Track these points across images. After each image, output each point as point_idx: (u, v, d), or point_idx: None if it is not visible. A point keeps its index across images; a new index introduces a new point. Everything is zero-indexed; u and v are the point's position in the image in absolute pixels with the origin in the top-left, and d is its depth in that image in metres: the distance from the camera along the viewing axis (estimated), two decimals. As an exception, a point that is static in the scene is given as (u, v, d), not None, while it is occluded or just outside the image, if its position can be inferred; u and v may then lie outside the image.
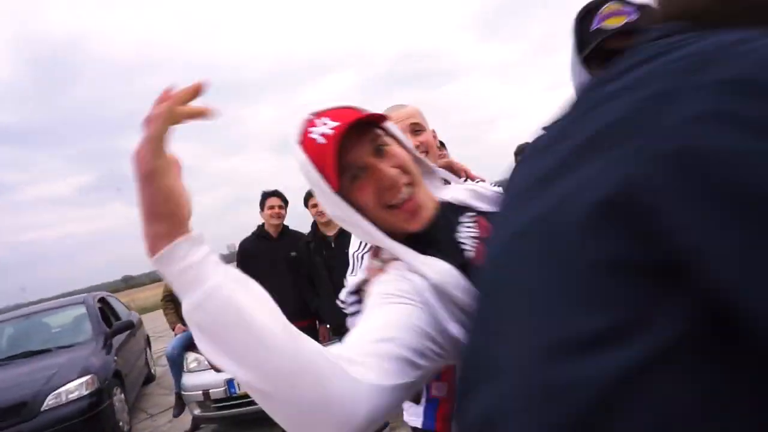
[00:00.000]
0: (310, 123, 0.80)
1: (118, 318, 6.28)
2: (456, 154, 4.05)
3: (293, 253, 3.59)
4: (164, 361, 6.82)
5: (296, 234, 3.76)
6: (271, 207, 3.60)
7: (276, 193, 3.65)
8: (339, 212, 0.80)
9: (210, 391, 3.99)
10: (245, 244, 3.71)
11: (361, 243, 1.27)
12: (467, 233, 0.82)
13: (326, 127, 0.77)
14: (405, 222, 0.80)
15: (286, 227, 3.74)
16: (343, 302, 1.02)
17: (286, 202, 3.68)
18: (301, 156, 0.78)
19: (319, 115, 0.81)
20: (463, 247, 0.80)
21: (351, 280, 1.00)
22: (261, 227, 3.70)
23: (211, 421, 4.33)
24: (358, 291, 0.94)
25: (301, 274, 3.56)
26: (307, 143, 0.78)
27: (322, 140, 0.76)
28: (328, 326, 3.88)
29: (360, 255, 1.24)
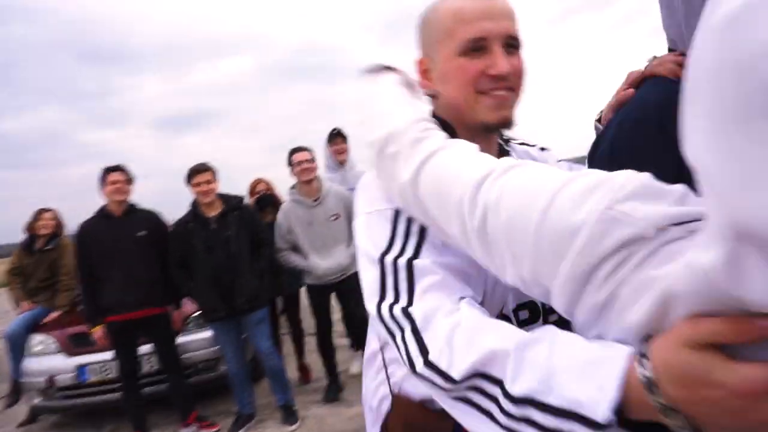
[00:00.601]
0: None
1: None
2: (357, 152, 4.12)
3: (142, 233, 3.36)
4: None
5: (146, 213, 3.53)
6: (113, 182, 3.35)
7: (118, 168, 3.42)
8: None
9: (56, 377, 3.61)
10: (85, 226, 3.39)
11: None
12: None
13: None
14: None
15: (132, 205, 3.50)
16: None
17: (130, 178, 3.46)
18: None
19: None
20: None
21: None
22: (104, 207, 3.43)
23: (54, 412, 3.91)
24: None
25: (160, 256, 3.36)
26: None
27: None
28: (196, 313, 3.70)
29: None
